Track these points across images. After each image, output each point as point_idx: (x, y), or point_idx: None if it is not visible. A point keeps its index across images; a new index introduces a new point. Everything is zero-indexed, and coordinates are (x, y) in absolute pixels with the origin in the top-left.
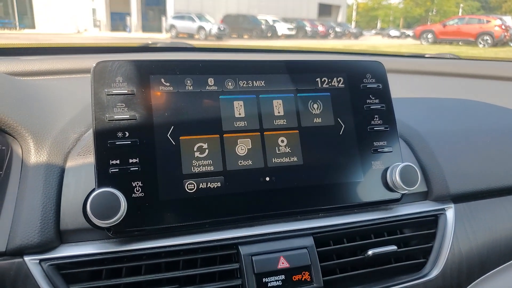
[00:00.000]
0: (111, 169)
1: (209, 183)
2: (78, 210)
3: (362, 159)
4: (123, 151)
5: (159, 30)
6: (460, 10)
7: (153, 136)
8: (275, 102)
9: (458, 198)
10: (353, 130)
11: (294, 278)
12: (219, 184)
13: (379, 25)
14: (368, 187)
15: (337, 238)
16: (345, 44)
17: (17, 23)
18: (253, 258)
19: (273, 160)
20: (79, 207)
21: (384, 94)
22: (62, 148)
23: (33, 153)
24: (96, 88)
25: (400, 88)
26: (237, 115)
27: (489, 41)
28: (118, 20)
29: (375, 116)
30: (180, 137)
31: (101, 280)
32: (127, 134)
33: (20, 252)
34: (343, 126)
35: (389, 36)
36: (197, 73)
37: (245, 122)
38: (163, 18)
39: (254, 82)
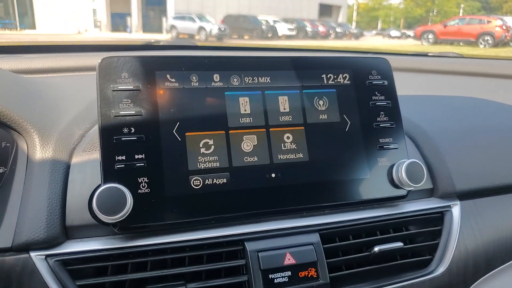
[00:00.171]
0: (117, 165)
1: (215, 179)
2: (83, 206)
3: (368, 156)
4: (129, 147)
5: (159, 30)
6: (461, 11)
7: (159, 132)
8: (280, 98)
9: (464, 195)
10: (359, 126)
11: (301, 274)
12: (225, 181)
13: (379, 25)
14: (374, 184)
15: (342, 234)
16: (346, 44)
17: (18, 24)
18: (259, 254)
19: (279, 156)
20: (85, 203)
21: (389, 91)
22: (67, 144)
23: (39, 149)
24: (102, 84)
25: (403, 86)
26: (242, 112)
27: (490, 42)
28: (118, 20)
29: (381, 112)
30: (186, 133)
31: (106, 276)
32: (133, 130)
33: (26, 247)
34: (349, 122)
35: (390, 36)
36: (203, 69)
37: (251, 118)
38: (164, 19)
39: (260, 78)
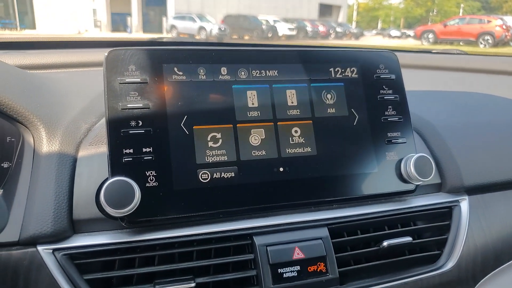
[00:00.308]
0: (124, 158)
1: (223, 173)
2: (90, 200)
3: (376, 150)
4: (137, 140)
5: (159, 30)
6: (461, 10)
7: (167, 125)
8: (288, 92)
9: (472, 190)
10: (367, 120)
11: (310, 269)
12: (232, 174)
13: (379, 25)
14: (382, 178)
15: (351, 229)
16: (346, 44)
17: (18, 24)
18: (268, 248)
19: (287, 150)
20: (92, 196)
21: (397, 85)
22: (73, 137)
23: (45, 143)
24: (109, 77)
25: (408, 82)
26: (250, 105)
27: (490, 41)
28: (118, 20)
29: (389, 106)
30: (194, 127)
31: (114, 270)
32: (141, 123)
33: (33, 241)
34: (357, 116)
35: (390, 36)
36: (210, 62)
37: (259, 112)
38: (164, 19)
39: (267, 71)
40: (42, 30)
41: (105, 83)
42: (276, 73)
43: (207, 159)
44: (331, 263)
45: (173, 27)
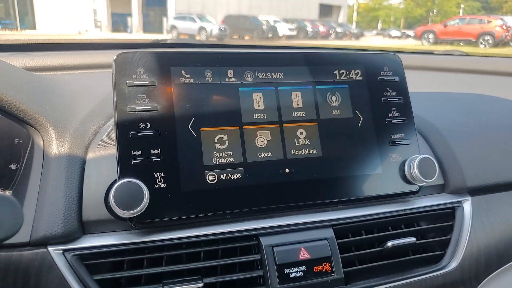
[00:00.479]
0: (133, 160)
1: (229, 174)
2: (100, 201)
3: (380, 152)
4: (145, 142)
5: (160, 30)
6: (461, 11)
7: (174, 127)
8: (293, 94)
9: (475, 191)
10: (371, 122)
11: (315, 269)
12: (239, 176)
13: (380, 25)
14: (386, 179)
15: (355, 230)
16: (346, 44)
17: (18, 24)
18: (275, 249)
19: (292, 152)
20: (101, 198)
21: (401, 87)
22: (82, 139)
23: (55, 145)
24: (118, 80)
25: (410, 84)
26: (256, 107)
27: (490, 41)
28: (119, 20)
29: (393, 108)
30: (201, 129)
31: (123, 270)
32: (149, 125)
33: (44, 242)
34: (361, 118)
35: (390, 36)
36: (217, 65)
37: (264, 114)
38: (164, 19)
39: (273, 74)
40: (43, 30)
41: (114, 86)
42: (281, 75)
43: (214, 161)
44: (336, 264)
45: (173, 27)
